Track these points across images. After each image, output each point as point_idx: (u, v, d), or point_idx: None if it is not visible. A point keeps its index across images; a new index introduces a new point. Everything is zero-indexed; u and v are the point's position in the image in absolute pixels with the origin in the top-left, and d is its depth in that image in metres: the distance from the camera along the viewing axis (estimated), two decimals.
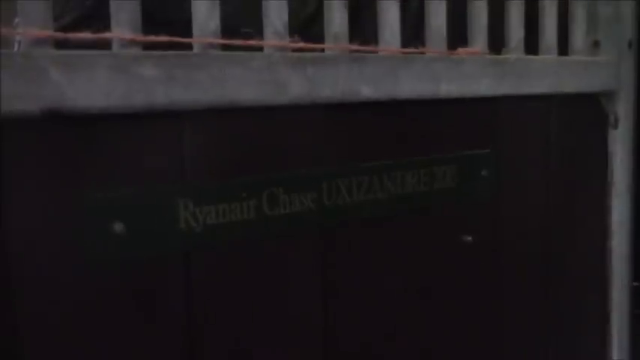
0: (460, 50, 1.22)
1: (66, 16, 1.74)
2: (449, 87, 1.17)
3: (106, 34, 0.84)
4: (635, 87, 1.52)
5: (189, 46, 0.92)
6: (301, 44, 1.00)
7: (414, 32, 1.24)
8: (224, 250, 0.94)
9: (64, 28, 1.68)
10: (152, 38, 0.87)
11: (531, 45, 1.39)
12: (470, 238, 1.25)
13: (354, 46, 1.06)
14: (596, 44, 1.49)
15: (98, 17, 0.87)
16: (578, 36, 1.46)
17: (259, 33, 0.99)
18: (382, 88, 1.07)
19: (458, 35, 1.27)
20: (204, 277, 0.93)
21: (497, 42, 1.33)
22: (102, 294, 0.83)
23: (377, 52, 1.10)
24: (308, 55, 1.00)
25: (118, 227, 0.85)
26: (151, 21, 0.98)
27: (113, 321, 0.85)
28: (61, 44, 0.81)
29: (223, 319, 0.95)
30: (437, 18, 1.19)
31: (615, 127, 1.50)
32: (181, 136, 0.89)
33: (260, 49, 0.98)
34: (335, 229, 1.07)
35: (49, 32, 0.79)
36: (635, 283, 1.62)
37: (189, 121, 0.89)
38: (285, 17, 0.99)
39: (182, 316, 0.91)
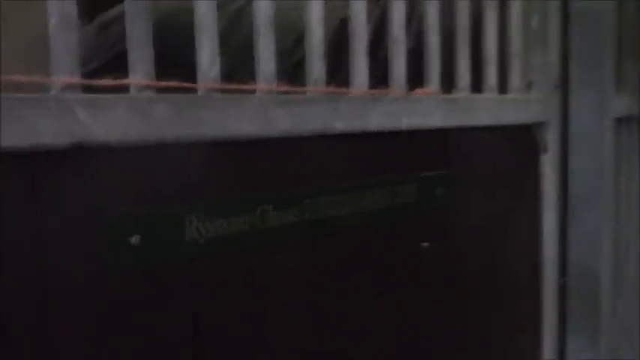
0: (417, 91, 1.23)
1: (94, 61, 1.74)
2: (409, 121, 1.18)
3: (125, 81, 0.85)
4: (561, 119, 1.53)
5: (195, 90, 0.92)
6: (287, 88, 1.01)
7: (381, 75, 1.25)
8: (223, 258, 0.94)
9: (93, 72, 1.68)
10: (163, 84, 0.87)
11: (477, 85, 1.41)
12: (427, 244, 1.26)
13: (331, 89, 1.08)
14: (529, 85, 1.51)
15: (120, 64, 0.88)
16: (516, 78, 1.48)
17: (253, 78, 1.00)
18: (354, 123, 1.08)
19: (417, 77, 1.28)
20: (206, 281, 0.93)
21: (448, 83, 1.34)
22: (120, 298, 0.83)
23: (349, 94, 1.11)
24: (293, 96, 1.01)
25: (135, 240, 0.85)
26: (172, 62, 0.98)
27: (128, 321, 0.85)
28: (87, 88, 0.82)
29: (224, 318, 0.95)
30: (398, 65, 1.20)
31: (545, 152, 1.51)
32: (188, 163, 0.90)
33: (254, 91, 0.99)
34: (316, 240, 1.07)
35: (77, 79, 0.79)
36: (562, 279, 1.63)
37: (194, 151, 0.90)
38: (273, 66, 1.00)
39: (189, 315, 0.91)
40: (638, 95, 1.74)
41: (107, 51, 1.73)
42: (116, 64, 0.88)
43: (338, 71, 1.23)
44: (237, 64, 1.03)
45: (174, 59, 1.10)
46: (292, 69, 1.19)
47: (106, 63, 1.67)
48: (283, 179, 1.01)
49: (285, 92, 1.01)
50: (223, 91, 0.93)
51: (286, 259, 1.03)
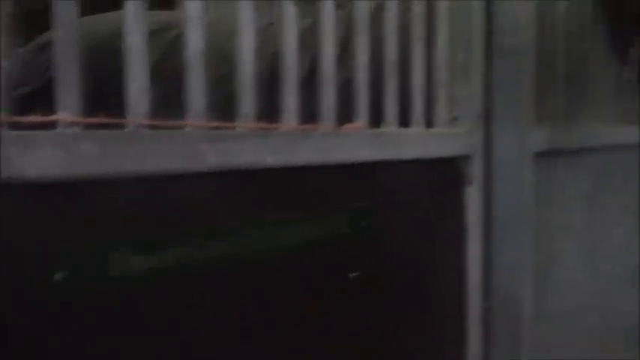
0: (346, 126, 1.26)
1: (29, 84, 1.70)
2: (338, 155, 1.21)
3: (52, 117, 0.84)
4: (484, 152, 1.59)
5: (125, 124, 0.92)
6: (217, 123, 1.02)
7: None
8: (149, 292, 0.94)
9: (27, 95, 1.64)
10: (90, 120, 0.87)
11: (405, 119, 1.45)
12: (355, 274, 1.29)
13: (261, 124, 1.09)
14: (454, 119, 1.56)
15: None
16: (441, 112, 1.53)
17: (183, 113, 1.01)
18: (283, 158, 1.10)
19: (346, 112, 1.31)
20: (132, 315, 0.92)
21: (377, 118, 1.38)
22: (44, 334, 0.82)
23: (279, 129, 1.13)
24: (223, 132, 1.02)
25: (60, 275, 0.84)
26: (106, 90, 0.97)
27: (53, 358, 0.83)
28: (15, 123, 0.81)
29: (150, 351, 0.94)
30: (328, 100, 1.23)
31: (470, 183, 1.57)
32: (115, 199, 0.89)
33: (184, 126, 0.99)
34: (245, 272, 1.08)
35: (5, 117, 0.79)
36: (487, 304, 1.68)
37: (121, 187, 0.89)
38: (203, 101, 1.01)
39: (115, 349, 0.90)
40: (557, 128, 1.82)
41: (42, 74, 1.70)
42: (50, 87, 0.87)
43: (273, 105, 1.24)
44: (173, 96, 1.03)
45: (111, 87, 1.09)
46: (224, 102, 1.20)
47: (40, 86, 1.64)
48: (212, 213, 1.02)
49: (216, 127, 1.02)
50: (152, 126, 0.94)
51: (214, 292, 1.03)
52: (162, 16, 1.92)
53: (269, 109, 1.16)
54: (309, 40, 1.82)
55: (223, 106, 1.08)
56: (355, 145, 1.25)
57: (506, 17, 1.59)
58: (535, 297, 1.76)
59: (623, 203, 2.44)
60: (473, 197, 1.56)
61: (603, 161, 2.16)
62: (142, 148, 0.90)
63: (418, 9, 1.49)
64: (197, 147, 0.97)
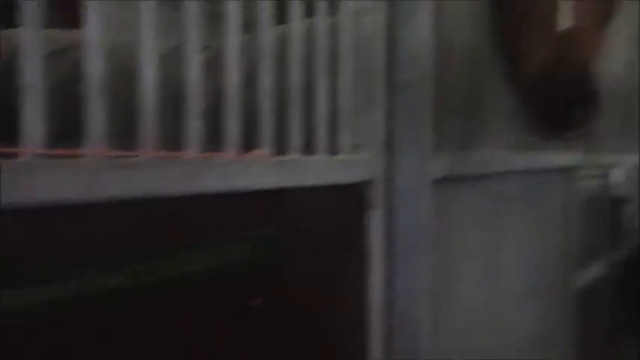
0: (251, 153, 1.28)
1: None
2: (241, 183, 1.22)
3: None
4: (386, 178, 1.64)
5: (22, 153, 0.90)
6: (117, 152, 1.02)
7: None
8: (44, 324, 0.92)
9: None
10: None
11: (309, 147, 1.49)
12: (257, 302, 1.30)
13: (162, 153, 1.09)
14: (358, 146, 1.61)
15: None
16: (345, 140, 1.58)
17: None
18: (186, 186, 1.10)
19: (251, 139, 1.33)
20: (25, 348, 0.90)
21: (282, 145, 1.41)
22: None
23: (182, 157, 1.14)
24: (123, 160, 1.01)
25: None
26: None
27: None
28: None
29: None
30: (232, 127, 1.25)
31: (372, 209, 1.62)
32: (7, 230, 0.87)
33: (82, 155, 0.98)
34: (144, 301, 1.07)
35: None
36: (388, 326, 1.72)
37: (15, 218, 0.87)
38: (103, 128, 1.00)
39: None
40: (456, 155, 1.91)
41: None
42: None
43: (178, 132, 1.24)
44: (74, 122, 1.02)
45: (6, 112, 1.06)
46: (128, 127, 1.20)
47: None
48: (111, 243, 1.01)
49: (116, 156, 1.02)
50: (49, 155, 0.92)
51: (110, 323, 1.02)
52: (66, 35, 1.88)
53: (174, 136, 1.16)
54: (214, 64, 1.83)
55: (125, 133, 1.07)
56: (259, 172, 1.27)
57: (407, 49, 1.66)
58: (435, 316, 1.82)
59: (520, 225, 2.57)
60: (375, 222, 1.61)
61: (501, 186, 2.27)
62: (36, 178, 0.88)
63: (323, 39, 1.54)
64: (96, 176, 0.96)
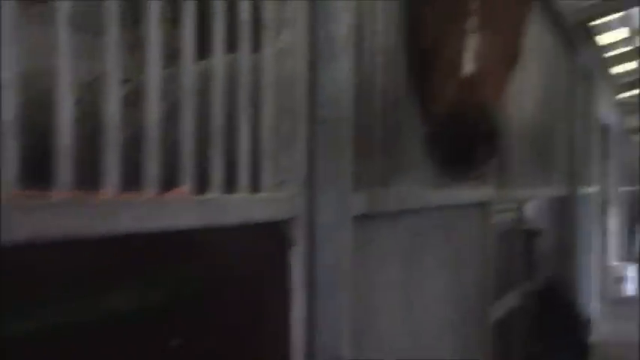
0: (170, 192, 1.27)
1: None
2: (160, 223, 1.21)
3: None
4: (307, 216, 1.66)
5: None
6: (31, 192, 0.99)
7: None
8: None
9: None
10: None
11: (231, 184, 1.49)
12: (177, 342, 1.28)
13: (78, 193, 1.07)
14: (279, 184, 1.62)
15: None
16: (267, 177, 1.59)
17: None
18: (102, 227, 1.08)
19: (171, 177, 1.32)
20: None
21: (203, 183, 1.40)
22: None
23: (99, 197, 1.11)
24: (36, 201, 0.99)
25: None
26: None
27: None
28: None
29: None
30: (152, 167, 1.24)
31: (293, 246, 1.63)
32: None
33: None
34: (62, 343, 1.04)
35: None
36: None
37: None
38: (15, 168, 0.97)
39: None
40: (376, 192, 1.95)
41: None
42: None
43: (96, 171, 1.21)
44: None
45: None
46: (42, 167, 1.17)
47: None
48: (25, 287, 0.98)
49: (30, 197, 0.99)
50: None
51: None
52: None
53: (92, 175, 1.14)
54: (134, 99, 1.81)
55: (38, 171, 1.04)
56: (179, 212, 1.26)
57: (328, 88, 1.70)
58: (357, 352, 1.84)
59: (438, 260, 2.64)
60: (296, 260, 1.62)
61: (418, 222, 2.33)
62: None
63: (245, 76, 1.55)
64: (8, 218, 0.93)
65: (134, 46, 3.88)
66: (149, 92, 1.28)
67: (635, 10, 13.63)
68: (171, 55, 1.56)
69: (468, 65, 1.70)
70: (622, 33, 16.24)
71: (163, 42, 1.32)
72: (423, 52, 1.92)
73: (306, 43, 1.67)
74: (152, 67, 1.28)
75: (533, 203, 4.98)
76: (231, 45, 1.56)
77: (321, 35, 1.70)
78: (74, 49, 1.08)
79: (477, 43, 1.73)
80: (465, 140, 1.56)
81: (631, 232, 13.61)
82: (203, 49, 1.49)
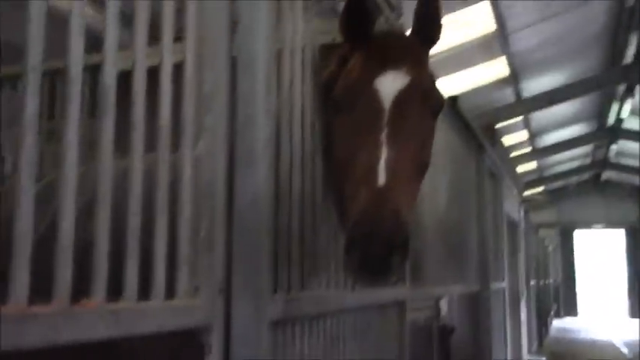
0: (81, 303, 1.23)
1: None
2: (69, 336, 1.16)
3: None
4: (224, 322, 1.63)
5: None
6: None
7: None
8: None
9: None
10: None
11: (145, 291, 1.45)
12: None
13: None
14: (196, 289, 1.60)
15: None
16: (183, 283, 1.56)
17: None
18: (7, 341, 1.03)
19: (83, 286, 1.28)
20: None
21: (116, 292, 1.36)
22: None
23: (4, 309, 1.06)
24: None
25: None
26: None
27: None
28: None
29: None
30: (63, 277, 1.20)
31: (209, 354, 1.59)
32: None
33: None
34: None
35: None
36: None
37: None
38: None
39: None
40: (293, 297, 1.94)
41: None
42: None
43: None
44: None
45: None
46: None
47: None
48: None
49: None
50: None
51: None
52: None
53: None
54: (47, 199, 1.77)
55: None
56: (90, 323, 1.21)
57: (246, 195, 1.72)
58: None
59: None
60: None
61: (336, 324, 2.33)
62: None
63: (163, 180, 1.55)
64: None
65: (49, 139, 3.79)
66: (63, 196, 1.25)
67: (536, 113, 14.65)
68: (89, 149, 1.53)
69: (381, 175, 1.77)
70: (523, 135, 17.37)
71: (81, 135, 1.29)
72: (339, 161, 1.98)
73: (225, 149, 1.70)
74: (68, 164, 1.24)
75: (448, 299, 5.07)
76: (151, 145, 1.56)
77: (240, 141, 1.74)
78: None
79: (389, 154, 1.81)
80: (380, 248, 1.60)
81: (541, 325, 14.00)
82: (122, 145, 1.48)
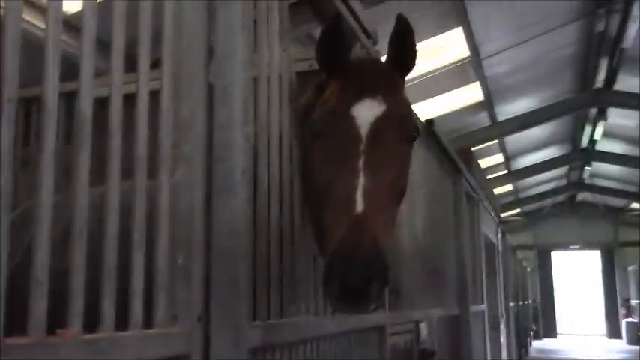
0: (58, 333, 1.21)
1: None
2: None
3: None
4: (203, 351, 1.61)
5: None
6: None
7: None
8: None
9: None
10: None
11: (123, 320, 1.44)
12: None
13: None
14: (174, 318, 1.58)
15: None
16: (161, 312, 1.55)
17: None
18: None
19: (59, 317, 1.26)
20: None
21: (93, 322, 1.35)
22: None
23: None
24: None
25: None
26: None
27: None
28: None
29: None
30: (38, 308, 1.18)
31: None
32: None
33: None
34: None
35: None
36: None
37: None
38: None
39: None
40: (272, 324, 1.93)
41: None
42: None
43: None
44: None
45: None
46: None
47: None
48: None
49: None
50: None
51: None
52: None
53: None
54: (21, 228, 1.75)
55: None
56: (66, 354, 1.19)
57: (224, 223, 1.71)
58: None
59: None
60: None
61: (316, 350, 2.31)
62: None
63: (140, 210, 1.54)
64: None
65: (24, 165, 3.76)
66: (38, 228, 1.24)
67: (511, 136, 14.84)
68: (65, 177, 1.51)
69: (359, 202, 1.77)
70: (499, 158, 17.58)
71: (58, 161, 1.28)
72: (317, 188, 1.98)
73: (202, 177, 1.70)
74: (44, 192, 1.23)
75: (428, 323, 5.07)
76: (128, 172, 1.55)
77: (217, 169, 1.73)
78: None
79: (367, 181, 1.81)
80: (359, 276, 1.59)
81: (521, 346, 14.01)
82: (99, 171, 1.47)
